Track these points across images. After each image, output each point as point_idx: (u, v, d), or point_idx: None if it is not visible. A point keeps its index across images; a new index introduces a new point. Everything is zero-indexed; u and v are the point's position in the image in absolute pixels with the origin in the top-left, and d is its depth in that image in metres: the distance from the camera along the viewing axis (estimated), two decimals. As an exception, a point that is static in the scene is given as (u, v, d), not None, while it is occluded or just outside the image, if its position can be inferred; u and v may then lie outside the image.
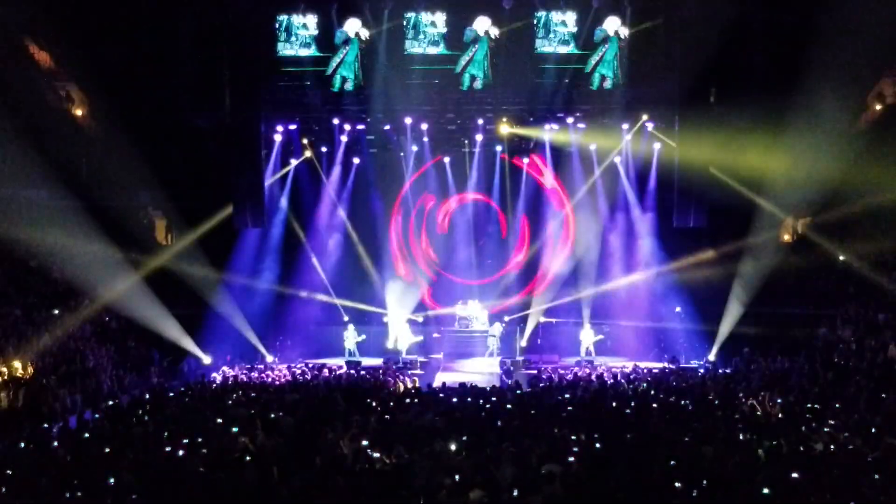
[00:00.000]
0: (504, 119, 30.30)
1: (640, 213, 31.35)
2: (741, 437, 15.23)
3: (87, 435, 16.02)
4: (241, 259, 30.21)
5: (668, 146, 29.60)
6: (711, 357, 27.90)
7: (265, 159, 29.88)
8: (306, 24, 27.96)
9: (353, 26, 27.65)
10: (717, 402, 19.40)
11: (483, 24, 27.50)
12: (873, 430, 16.04)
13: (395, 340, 30.26)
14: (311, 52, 28.00)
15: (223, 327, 28.42)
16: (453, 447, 13.94)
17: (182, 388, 22.10)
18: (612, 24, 27.46)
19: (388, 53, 28.31)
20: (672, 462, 13.02)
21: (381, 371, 25.85)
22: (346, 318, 31.03)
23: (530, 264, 32.58)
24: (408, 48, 27.88)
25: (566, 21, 27.70)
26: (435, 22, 27.77)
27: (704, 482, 12.15)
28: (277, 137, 30.36)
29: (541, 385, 22.88)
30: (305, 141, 31.23)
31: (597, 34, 27.54)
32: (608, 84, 27.89)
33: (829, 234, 29.21)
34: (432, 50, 27.78)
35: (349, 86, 28.08)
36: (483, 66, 27.83)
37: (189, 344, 27.35)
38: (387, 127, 30.64)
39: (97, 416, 18.75)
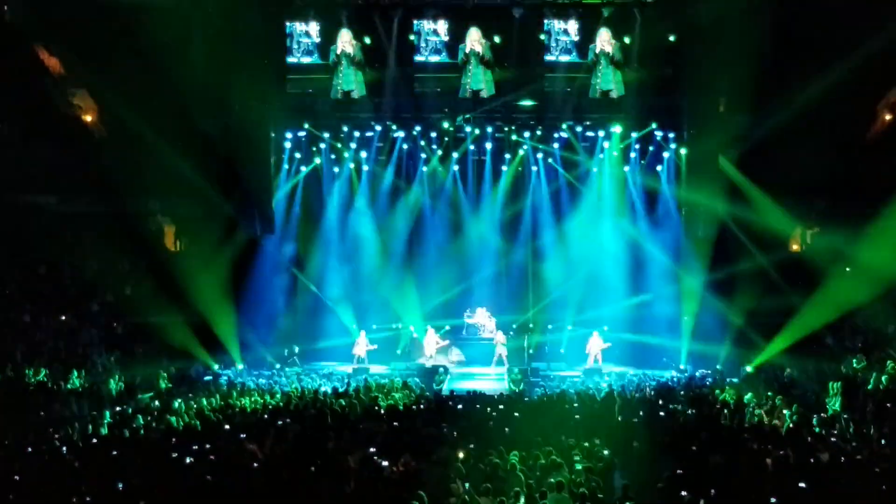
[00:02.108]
0: None
1: (647, 222, 31.29)
2: (749, 447, 15.21)
3: (95, 440, 16.07)
4: (254, 266, 30.23)
5: (678, 154, 29.72)
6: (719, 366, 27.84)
7: (274, 166, 30.03)
8: (308, 31, 28.21)
9: (343, 39, 27.95)
10: (724, 411, 19.39)
11: (472, 38, 27.79)
12: (882, 440, 16.04)
13: (423, 347, 30.15)
14: (313, 59, 28.24)
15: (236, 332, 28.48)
16: (461, 455, 13.96)
17: (190, 395, 22.15)
18: (602, 40, 27.73)
19: (398, 61, 28.55)
20: (679, 471, 13.02)
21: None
22: (354, 326, 31.06)
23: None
24: (415, 56, 28.10)
25: (568, 30, 27.88)
26: (437, 30, 27.99)
27: (712, 491, 12.15)
28: (287, 144, 30.50)
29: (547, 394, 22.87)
30: (315, 148, 31.23)
31: (590, 53, 27.79)
32: (614, 94, 28.10)
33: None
34: (434, 58, 28.02)
35: (355, 94, 28.38)
36: (483, 79, 28.11)
37: (198, 350, 27.34)
38: (397, 134, 30.66)
39: (105, 421, 18.77)
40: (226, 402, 21.06)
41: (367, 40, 28.63)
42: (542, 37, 28.36)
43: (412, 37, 28.64)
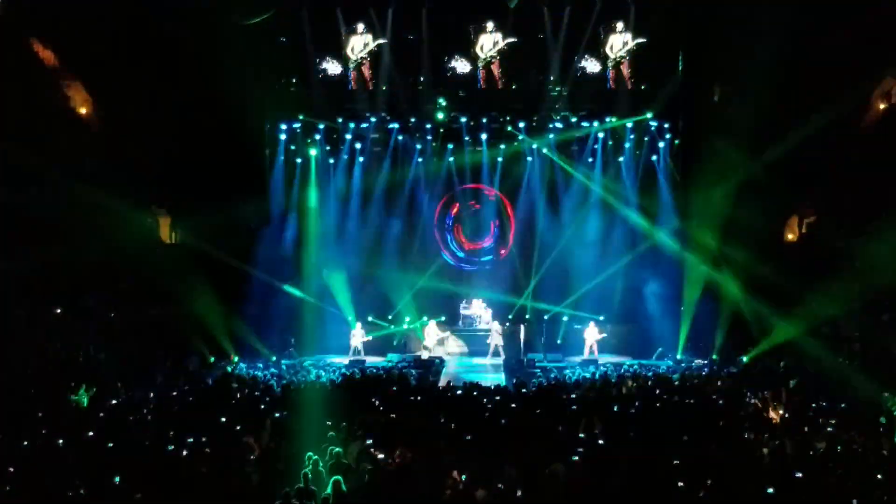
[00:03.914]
0: None
1: (642, 212, 31.31)
2: (745, 437, 15.23)
3: (91, 434, 16.05)
4: (249, 258, 30.17)
5: (672, 144, 29.73)
6: (715, 356, 27.91)
7: (269, 158, 29.97)
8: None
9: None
10: (720, 401, 19.42)
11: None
12: (880, 429, 16.07)
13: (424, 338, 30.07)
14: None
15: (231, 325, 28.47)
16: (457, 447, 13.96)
17: (186, 388, 22.14)
18: (597, 29, 27.96)
19: (393, 52, 28.58)
20: (675, 461, 13.03)
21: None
22: (350, 318, 31.08)
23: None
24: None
25: (563, 19, 27.99)
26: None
27: (708, 481, 12.16)
28: (282, 136, 30.42)
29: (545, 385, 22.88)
30: (310, 140, 31.17)
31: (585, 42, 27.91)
32: (609, 83, 28.24)
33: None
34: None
35: (350, 86, 28.47)
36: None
37: (194, 342, 27.33)
38: (392, 126, 30.61)
39: (101, 414, 18.75)
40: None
41: (362, 31, 28.58)
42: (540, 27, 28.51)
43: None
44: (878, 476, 12.51)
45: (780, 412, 18.11)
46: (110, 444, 14.59)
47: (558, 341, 30.38)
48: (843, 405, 18.72)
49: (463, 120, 30.41)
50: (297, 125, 30.50)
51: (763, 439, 14.94)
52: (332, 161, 32.00)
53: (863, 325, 25.74)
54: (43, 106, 28.06)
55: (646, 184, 31.28)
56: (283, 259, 31.43)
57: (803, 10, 24.96)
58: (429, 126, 30.62)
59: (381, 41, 28.73)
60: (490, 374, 27.07)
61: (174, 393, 21.16)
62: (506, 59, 28.66)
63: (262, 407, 18.61)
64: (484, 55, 28.66)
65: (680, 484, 11.96)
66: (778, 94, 26.03)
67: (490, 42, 28.60)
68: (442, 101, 29.78)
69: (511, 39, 28.53)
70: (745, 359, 26.38)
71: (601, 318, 29.99)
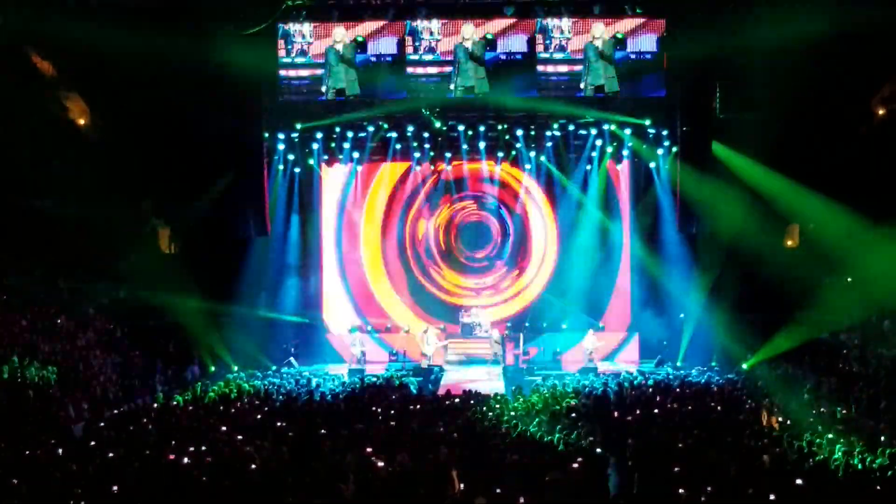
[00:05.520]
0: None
1: (642, 219, 31.33)
2: (745, 444, 15.21)
3: (92, 443, 16.03)
4: (248, 268, 30.18)
5: (670, 151, 29.74)
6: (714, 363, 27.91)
7: (267, 167, 29.97)
8: (302, 32, 28.21)
9: (336, 39, 28.11)
10: (720, 408, 19.40)
11: (464, 36, 27.82)
12: (882, 437, 16.05)
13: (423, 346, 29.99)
14: (307, 59, 28.28)
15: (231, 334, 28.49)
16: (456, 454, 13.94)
17: (187, 397, 22.12)
18: (594, 36, 27.74)
19: (390, 60, 28.56)
20: (676, 468, 13.02)
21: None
22: (350, 326, 31.11)
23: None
24: (407, 55, 28.11)
25: (561, 27, 27.93)
26: (430, 29, 28.03)
27: (709, 489, 12.15)
28: (280, 146, 30.41)
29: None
30: (307, 149, 31.13)
31: (586, 50, 27.77)
32: (607, 91, 28.10)
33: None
34: (427, 57, 28.07)
35: (347, 94, 28.36)
36: (474, 76, 28.08)
37: (193, 352, 27.32)
38: (390, 135, 30.57)
39: (102, 424, 18.74)
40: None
41: (360, 39, 28.58)
42: (536, 34, 28.42)
43: (405, 35, 28.66)
44: (878, 485, 12.50)
45: (779, 419, 18.10)
46: (110, 454, 14.55)
47: (557, 349, 30.35)
48: (843, 410, 18.73)
49: (461, 128, 30.35)
50: (294, 134, 30.43)
51: (763, 446, 14.91)
52: (329, 170, 32.04)
53: (863, 333, 25.68)
54: (42, 117, 28.11)
55: (644, 191, 31.30)
56: (284, 268, 31.48)
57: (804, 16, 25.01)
58: (427, 135, 30.55)
59: (378, 49, 28.68)
60: (489, 381, 27.07)
61: (174, 402, 21.14)
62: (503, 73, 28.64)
63: (260, 417, 18.63)
64: (481, 63, 28.56)
65: (680, 491, 11.95)
66: (777, 98, 26.12)
67: (485, 50, 28.52)
68: (429, 114, 29.58)
69: (516, 55, 28.50)
70: (745, 366, 26.37)
71: (601, 325, 29.99)
